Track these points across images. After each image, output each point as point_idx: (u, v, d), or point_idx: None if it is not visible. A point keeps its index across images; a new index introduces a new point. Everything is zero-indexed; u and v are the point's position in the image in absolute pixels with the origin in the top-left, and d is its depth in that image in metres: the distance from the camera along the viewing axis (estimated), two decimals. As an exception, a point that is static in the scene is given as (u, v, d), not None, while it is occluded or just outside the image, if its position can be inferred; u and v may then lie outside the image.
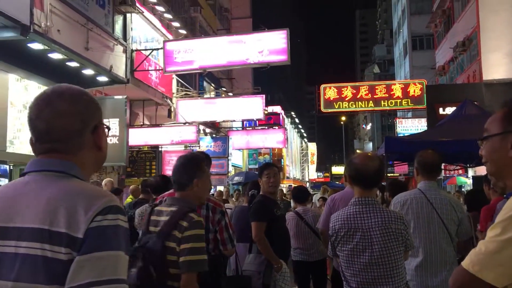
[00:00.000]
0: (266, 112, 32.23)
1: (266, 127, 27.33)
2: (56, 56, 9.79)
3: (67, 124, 1.27)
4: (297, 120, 56.48)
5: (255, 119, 18.91)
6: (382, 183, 4.59)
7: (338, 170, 69.56)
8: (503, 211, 1.26)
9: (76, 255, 1.11)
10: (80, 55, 10.24)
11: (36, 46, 9.09)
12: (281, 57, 12.19)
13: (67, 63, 10.30)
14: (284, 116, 44.02)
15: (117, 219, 1.16)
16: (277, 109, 38.70)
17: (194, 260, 2.25)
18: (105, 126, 1.39)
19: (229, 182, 19.53)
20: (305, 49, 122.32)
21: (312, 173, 66.60)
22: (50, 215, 1.14)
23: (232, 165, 28.22)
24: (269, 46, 12.12)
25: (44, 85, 10.99)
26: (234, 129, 25.10)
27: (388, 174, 10.12)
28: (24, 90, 10.39)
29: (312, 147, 69.47)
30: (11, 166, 11.11)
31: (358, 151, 72.03)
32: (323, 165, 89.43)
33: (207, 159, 3.42)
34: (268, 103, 40.85)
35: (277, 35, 12.26)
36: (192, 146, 16.71)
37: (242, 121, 23.80)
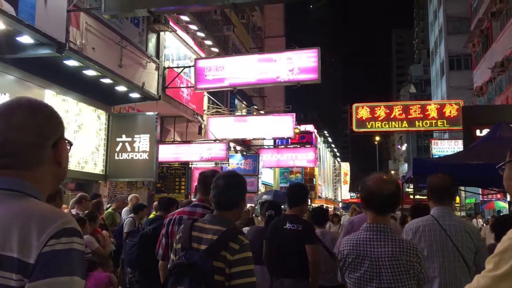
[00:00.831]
0: (298, 130, 32.19)
1: (299, 146, 27.21)
2: (90, 72, 10.08)
3: (22, 138, 1.19)
4: (330, 139, 56.05)
5: (285, 138, 18.81)
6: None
7: (372, 191, 68.09)
8: (499, 245, 1.16)
9: (27, 282, 1.03)
10: (113, 72, 10.50)
11: (71, 63, 9.39)
12: (312, 76, 12.13)
13: (101, 80, 10.58)
14: (317, 135, 43.78)
15: (72, 242, 1.08)
16: (310, 127, 38.53)
17: (246, 283, 2.29)
18: (67, 141, 1.30)
19: (258, 201, 19.43)
20: (341, 67, 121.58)
21: (344, 193, 65.67)
22: (1, 238, 1.07)
23: (263, 183, 28.16)
24: (299, 64, 12.10)
25: (80, 101, 11.32)
26: (265, 147, 25.10)
27: (419, 197, 9.81)
28: (60, 105, 10.71)
29: (345, 166, 68.59)
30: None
31: (392, 172, 70.63)
32: (356, 186, 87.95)
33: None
34: (301, 121, 40.90)
35: (308, 54, 12.23)
36: (222, 163, 16.78)
37: (274, 139, 23.81)
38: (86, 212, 5.64)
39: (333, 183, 62.49)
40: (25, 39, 8.07)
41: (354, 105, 20.44)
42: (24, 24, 7.59)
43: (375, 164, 68.27)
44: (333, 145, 59.71)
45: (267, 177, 30.57)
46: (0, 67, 8.85)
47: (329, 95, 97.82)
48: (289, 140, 24.58)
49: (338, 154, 65.85)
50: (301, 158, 24.29)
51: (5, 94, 8.97)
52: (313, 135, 37.10)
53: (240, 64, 12.49)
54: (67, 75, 10.04)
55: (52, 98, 10.45)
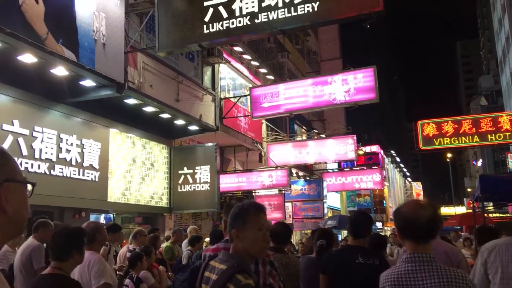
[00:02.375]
0: (362, 152, 31.39)
1: (365, 167, 26.50)
2: (149, 109, 10.47)
3: None
4: (398, 159, 54.17)
5: (348, 160, 18.36)
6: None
7: (448, 211, 64.81)
8: None
9: None
10: (171, 107, 10.83)
11: (131, 101, 9.81)
12: (369, 96, 11.82)
13: (160, 115, 10.94)
14: (384, 155, 42.45)
15: None
16: (375, 148, 37.52)
17: None
18: (22, 182, 1.15)
19: (324, 227, 18.96)
20: (403, 85, 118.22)
21: (418, 215, 62.58)
22: None
23: (330, 208, 27.56)
24: (355, 85, 11.85)
25: (142, 137, 11.75)
26: (329, 170, 24.66)
27: (495, 214, 9.09)
28: (123, 142, 11.17)
29: (417, 186, 65.81)
30: (114, 215, 11.88)
31: (468, 189, 66.64)
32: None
33: (257, 208, 3.23)
34: (365, 142, 39.93)
35: (364, 74, 11.96)
36: (285, 190, 16.63)
37: (339, 162, 23.34)
38: (142, 247, 5.70)
39: (405, 204, 59.85)
40: (87, 82, 8.56)
41: (419, 122, 19.60)
42: (85, 69, 8.05)
43: (449, 183, 64.86)
44: (401, 165, 57.61)
45: (334, 201, 29.90)
46: (67, 110, 9.42)
47: (393, 113, 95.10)
48: (355, 162, 23.98)
49: (408, 173, 63.37)
50: (366, 180, 23.58)
51: (72, 136, 9.51)
52: (380, 156, 36.00)
53: (295, 89, 12.46)
54: (129, 113, 10.49)
55: (117, 136, 10.94)
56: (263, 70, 16.02)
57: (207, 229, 14.17)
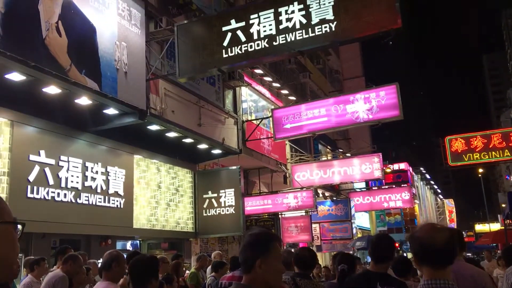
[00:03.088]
0: (390, 170, 30.78)
1: (394, 186, 25.97)
2: (172, 134, 10.54)
3: None
4: (428, 176, 52.98)
5: (374, 179, 18.02)
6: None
7: (483, 228, 62.74)
8: None
9: None
10: (194, 132, 10.89)
11: (153, 127, 9.90)
12: (393, 113, 11.64)
13: (183, 140, 11.01)
14: (413, 173, 41.58)
15: None
16: (404, 165, 36.82)
17: None
18: (11, 223, 1.10)
19: (353, 248, 18.56)
20: (430, 99, 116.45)
21: (452, 233, 60.72)
22: None
23: (359, 228, 27.00)
24: (378, 102, 11.70)
25: (165, 163, 11.83)
26: (357, 190, 24.25)
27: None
28: (147, 168, 11.26)
29: (449, 203, 64.06)
30: (140, 241, 11.90)
31: (503, 205, 64.41)
32: (465, 223, 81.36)
33: (276, 237, 3.13)
34: (393, 160, 39.19)
35: (386, 91, 11.81)
36: (311, 211, 16.40)
37: (368, 181, 22.94)
38: (164, 274, 5.65)
39: (438, 222, 58.31)
40: (110, 110, 8.70)
41: (447, 138, 19.16)
42: (108, 98, 8.20)
43: (482, 199, 62.92)
44: (432, 182, 56.29)
45: (363, 221, 29.31)
46: (91, 139, 9.58)
47: (421, 129, 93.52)
48: (383, 181, 23.53)
49: (439, 190, 61.83)
50: (395, 199, 23.09)
51: (97, 164, 9.64)
52: (409, 173, 35.26)
53: (317, 109, 12.38)
54: (152, 139, 10.59)
55: (141, 162, 11.04)
56: (284, 91, 16.04)
57: (234, 253, 14.04)
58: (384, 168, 32.51)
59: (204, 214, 12.54)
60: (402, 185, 26.19)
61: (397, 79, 12.47)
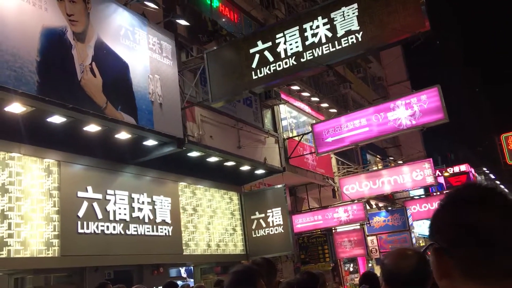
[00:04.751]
0: (448, 173, 29.51)
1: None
2: (213, 159, 10.67)
3: None
4: (492, 176, 50.36)
5: (427, 185, 17.28)
6: None
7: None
8: None
9: None
10: (234, 155, 10.97)
11: (193, 154, 10.07)
12: (437, 116, 11.22)
13: (225, 164, 11.11)
14: (475, 174, 39.68)
15: None
16: (464, 167, 35.20)
17: None
18: None
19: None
20: (485, 95, 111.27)
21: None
22: None
23: (422, 237, 25.90)
24: (420, 107, 11.33)
25: (210, 187, 11.96)
26: (415, 197, 23.36)
27: None
28: (192, 194, 11.43)
29: (519, 203, 60.34)
30: (193, 267, 12.03)
31: None
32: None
33: (268, 265, 3.09)
34: (452, 162, 37.54)
35: (428, 94, 11.42)
36: (365, 224, 15.96)
37: (428, 187, 22.07)
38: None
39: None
40: (149, 142, 8.96)
41: (503, 136, 18.22)
42: (145, 130, 8.45)
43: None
44: (497, 182, 53.42)
45: (425, 229, 28.10)
46: (135, 171, 9.88)
47: (479, 128, 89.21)
48: (444, 185, 22.57)
49: (506, 190, 58.50)
50: (455, 203, 21.99)
51: (143, 194, 9.91)
52: (470, 175, 33.63)
53: (357, 120, 12.16)
54: (194, 165, 10.76)
55: (186, 189, 11.23)
56: (324, 105, 15.87)
57: (288, 273, 13.88)
58: (443, 172, 31.20)
59: (254, 235, 12.52)
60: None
61: (445, 80, 12.05)
